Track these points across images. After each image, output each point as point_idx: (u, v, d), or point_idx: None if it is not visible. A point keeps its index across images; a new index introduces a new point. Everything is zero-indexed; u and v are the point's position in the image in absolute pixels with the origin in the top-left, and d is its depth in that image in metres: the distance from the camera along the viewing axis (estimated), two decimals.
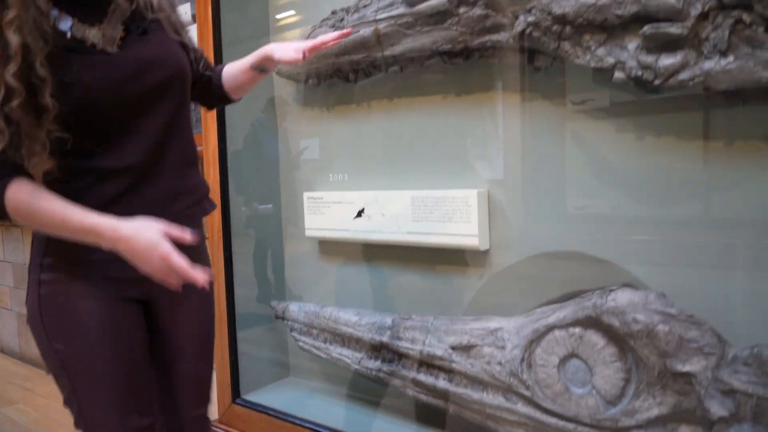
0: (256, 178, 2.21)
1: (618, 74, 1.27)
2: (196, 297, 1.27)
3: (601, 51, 1.29)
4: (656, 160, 1.33)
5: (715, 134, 1.25)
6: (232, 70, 1.40)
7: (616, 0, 1.23)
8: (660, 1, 1.18)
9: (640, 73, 1.23)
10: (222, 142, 2.04)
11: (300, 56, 1.31)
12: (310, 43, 1.34)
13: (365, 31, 1.67)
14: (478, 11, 1.42)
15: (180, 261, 1.00)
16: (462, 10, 1.45)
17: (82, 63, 1.04)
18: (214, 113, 2.01)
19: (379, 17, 1.64)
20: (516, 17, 1.38)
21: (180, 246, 1.05)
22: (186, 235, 1.04)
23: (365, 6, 1.71)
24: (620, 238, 1.40)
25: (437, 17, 1.51)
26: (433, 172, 1.72)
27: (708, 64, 1.16)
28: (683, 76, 1.18)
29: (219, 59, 2.01)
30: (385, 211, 1.76)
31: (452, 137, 1.66)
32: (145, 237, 1.01)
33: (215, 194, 2.07)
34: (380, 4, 1.65)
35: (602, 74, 1.30)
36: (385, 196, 1.77)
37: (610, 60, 1.27)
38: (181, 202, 1.21)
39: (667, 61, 1.19)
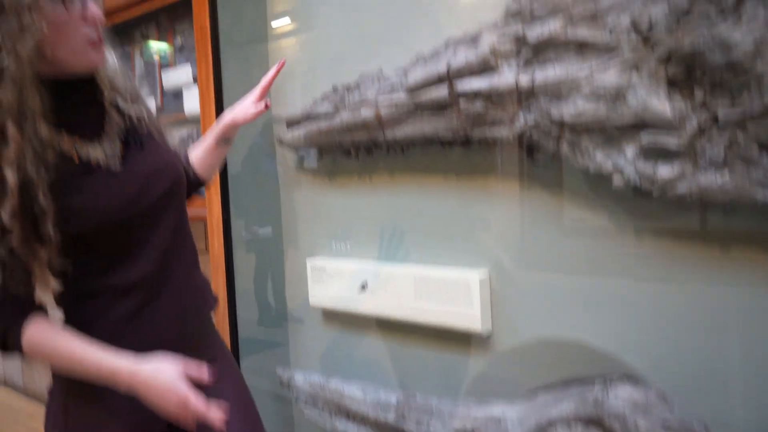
0: (257, 245, 2.24)
1: (617, 180, 1.29)
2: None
3: (599, 156, 1.31)
4: (654, 258, 1.35)
5: (712, 240, 1.27)
6: (198, 153, 1.48)
7: (615, 109, 1.25)
8: (656, 113, 1.21)
9: (638, 181, 1.25)
10: (226, 212, 2.06)
11: (261, 106, 1.43)
12: (258, 90, 1.48)
13: (367, 113, 1.69)
14: (478, 106, 1.45)
15: (197, 404, 1.02)
16: (462, 102, 1.48)
17: (90, 185, 1.06)
18: (216, 183, 2.04)
19: (380, 100, 1.66)
20: (516, 116, 1.40)
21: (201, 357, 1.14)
22: (203, 374, 1.07)
23: (366, 86, 1.73)
24: (620, 325, 1.43)
25: (438, 107, 1.54)
26: (434, 249, 1.74)
27: (704, 179, 1.18)
28: (680, 189, 1.20)
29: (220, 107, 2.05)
30: (388, 286, 1.79)
31: (453, 217, 1.69)
32: (163, 380, 1.03)
33: (219, 259, 2.09)
34: (381, 87, 1.67)
35: (601, 179, 1.32)
36: (388, 270, 1.79)
37: (609, 165, 1.29)
38: (193, 306, 1.24)
39: (664, 171, 1.22)
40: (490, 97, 1.42)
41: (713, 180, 1.17)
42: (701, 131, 1.18)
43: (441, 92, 1.50)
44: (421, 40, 1.67)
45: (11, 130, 0.94)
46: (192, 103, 2.29)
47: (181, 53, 2.40)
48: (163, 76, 2.41)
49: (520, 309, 1.59)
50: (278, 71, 1.50)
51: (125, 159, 1.14)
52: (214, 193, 2.04)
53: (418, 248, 1.77)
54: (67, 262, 1.05)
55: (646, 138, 1.23)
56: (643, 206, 1.35)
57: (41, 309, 1.08)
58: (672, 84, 1.20)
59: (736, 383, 1.27)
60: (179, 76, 2.32)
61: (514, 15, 1.39)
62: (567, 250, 1.49)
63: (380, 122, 1.67)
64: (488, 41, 1.42)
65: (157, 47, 2.44)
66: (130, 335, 1.12)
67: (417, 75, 1.55)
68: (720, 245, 1.27)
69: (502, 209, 1.59)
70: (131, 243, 1.13)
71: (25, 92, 0.95)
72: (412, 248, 1.79)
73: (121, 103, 1.18)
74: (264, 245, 2.24)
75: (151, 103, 2.49)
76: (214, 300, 1.35)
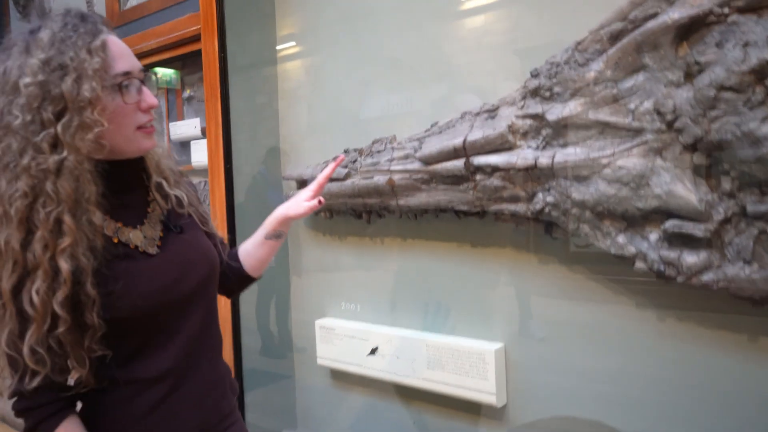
0: (266, 299, 2.20)
1: (639, 265, 1.26)
2: None
3: (621, 239, 1.28)
4: (674, 342, 1.32)
5: (737, 329, 1.24)
6: (247, 248, 1.39)
7: (637, 193, 1.23)
8: (682, 201, 1.18)
9: (662, 267, 1.22)
10: None
11: (315, 204, 1.34)
12: (314, 187, 1.37)
13: (379, 179, 1.67)
14: (495, 182, 1.42)
15: None
16: (478, 177, 1.45)
17: (126, 271, 1.04)
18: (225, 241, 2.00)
19: (393, 168, 1.64)
20: (534, 194, 1.38)
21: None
22: None
23: (379, 152, 1.71)
24: (637, 403, 1.39)
25: (453, 179, 1.51)
26: (447, 317, 1.71)
27: (732, 270, 1.15)
28: (707, 278, 1.17)
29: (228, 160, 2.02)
30: (400, 353, 1.75)
31: (467, 286, 1.65)
32: None
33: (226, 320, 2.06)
34: (394, 155, 1.65)
35: (623, 261, 1.29)
36: (399, 336, 1.75)
37: (632, 249, 1.26)
38: (214, 396, 1.19)
39: (690, 259, 1.19)
40: (508, 174, 1.39)
41: (741, 272, 1.14)
42: (728, 222, 1.15)
43: (457, 165, 1.48)
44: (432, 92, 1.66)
45: (67, 220, 0.94)
46: (200, 155, 2.27)
47: (190, 104, 2.39)
48: (171, 127, 2.39)
49: (535, 383, 1.55)
50: (336, 167, 1.38)
51: (164, 244, 1.12)
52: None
53: (431, 315, 1.74)
54: (107, 352, 1.02)
55: (671, 224, 1.20)
56: (664, 289, 1.31)
57: (73, 404, 1.07)
58: (698, 172, 1.18)
59: None
60: (187, 128, 2.30)
61: (532, 92, 1.37)
62: (583, 325, 1.45)
63: (393, 189, 1.64)
64: (507, 118, 1.40)
65: (163, 73, 2.41)
66: (148, 428, 1.09)
67: (433, 146, 1.53)
68: (745, 333, 1.23)
69: (518, 282, 1.56)
70: (160, 332, 1.09)
71: (82, 183, 0.96)
72: (424, 315, 1.75)
73: (165, 187, 1.17)
74: (273, 301, 2.21)
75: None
76: (234, 390, 1.27)
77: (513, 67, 1.55)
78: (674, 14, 1.18)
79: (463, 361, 1.61)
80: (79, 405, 1.11)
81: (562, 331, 1.50)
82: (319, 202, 1.33)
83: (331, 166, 1.37)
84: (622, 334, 1.39)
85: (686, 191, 1.18)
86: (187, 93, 2.37)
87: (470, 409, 1.65)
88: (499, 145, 1.40)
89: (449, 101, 1.68)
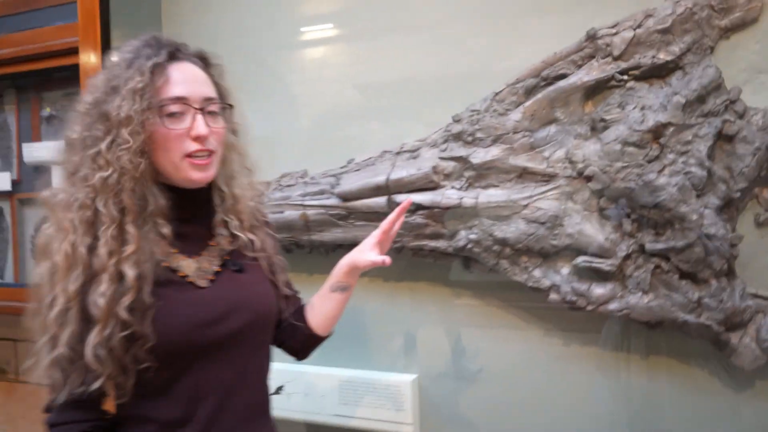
0: None
1: (553, 296, 1.39)
2: None
3: (537, 273, 1.41)
4: (583, 364, 1.48)
5: (635, 349, 1.43)
6: (313, 302, 1.30)
7: (552, 232, 1.37)
8: (590, 239, 1.34)
9: (574, 298, 1.37)
10: None
11: (380, 261, 1.21)
12: (378, 234, 1.25)
13: (291, 213, 1.64)
14: (418, 219, 1.48)
15: None
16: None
17: (166, 295, 1.00)
18: None
19: (307, 203, 1.62)
20: (456, 231, 1.46)
21: None
22: None
23: (289, 186, 1.69)
24: (544, 425, 1.52)
25: (373, 216, 1.54)
26: (359, 351, 1.72)
27: (633, 299, 1.33)
28: (612, 306, 1.34)
29: None
30: (309, 390, 1.72)
31: (379, 321, 1.68)
32: None
33: None
34: (307, 190, 1.64)
35: (539, 293, 1.42)
36: (308, 373, 1.72)
37: (546, 282, 1.40)
38: None
39: (598, 291, 1.35)
40: (432, 212, 1.46)
41: (640, 301, 1.32)
42: (630, 258, 1.33)
43: (379, 203, 1.51)
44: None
45: (131, 230, 0.97)
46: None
47: (50, 124, 2.12)
48: (24, 149, 2.10)
49: (447, 411, 1.62)
50: (403, 211, 1.26)
51: (217, 279, 1.08)
52: None
53: (342, 352, 1.73)
54: (155, 364, 0.99)
55: (581, 260, 1.35)
56: (569, 316, 1.47)
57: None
58: (604, 214, 1.35)
59: None
60: (48, 151, 2.04)
61: (455, 136, 1.46)
62: (495, 354, 1.57)
63: (307, 224, 1.63)
64: (430, 159, 1.47)
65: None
66: None
67: (352, 183, 1.55)
68: (639, 354, 1.42)
69: (432, 314, 1.63)
70: (188, 376, 1.03)
71: (141, 197, 0.99)
72: (334, 350, 1.74)
73: (235, 228, 1.13)
74: None
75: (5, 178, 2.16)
76: None
77: (355, 101, 1.71)
78: (584, 76, 1.35)
79: (380, 394, 1.63)
80: None
81: (474, 360, 1.59)
82: (384, 263, 1.20)
83: (397, 211, 1.26)
84: (531, 360, 1.53)
85: (594, 231, 1.35)
86: (47, 111, 2.11)
87: None
88: (424, 185, 1.47)
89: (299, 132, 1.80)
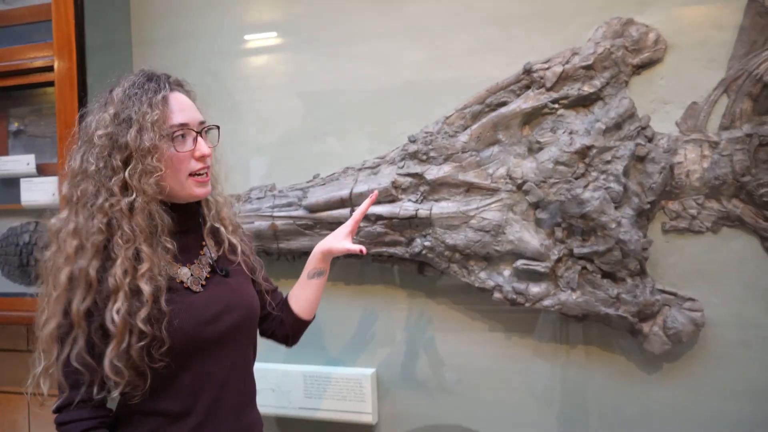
0: None
1: (496, 295, 1.60)
2: None
3: (482, 274, 1.61)
4: (521, 353, 1.68)
5: (566, 340, 1.65)
6: (294, 292, 1.45)
7: (496, 239, 1.57)
8: (528, 245, 1.55)
9: (514, 296, 1.58)
10: None
11: (356, 249, 1.36)
12: (351, 224, 1.41)
13: (261, 224, 1.79)
14: (378, 228, 1.66)
15: None
16: (363, 224, 1.68)
17: (171, 300, 1.11)
18: None
19: (276, 214, 1.78)
20: (412, 239, 1.64)
21: None
22: None
23: (258, 198, 1.83)
24: (490, 413, 1.72)
25: (337, 225, 1.71)
26: (322, 350, 1.88)
27: (563, 296, 1.54)
28: (546, 302, 1.55)
29: None
30: (277, 385, 1.86)
31: (340, 320, 1.85)
32: None
33: None
34: (276, 202, 1.79)
35: (484, 293, 1.62)
36: (275, 370, 1.86)
37: (491, 283, 1.60)
38: None
39: (534, 289, 1.56)
40: (390, 222, 1.64)
41: (569, 297, 1.54)
42: (560, 261, 1.55)
43: (343, 213, 1.68)
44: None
45: (145, 250, 1.08)
46: (32, 194, 2.09)
47: (17, 138, 2.18)
48: None
49: (402, 400, 1.80)
50: (371, 203, 1.42)
51: (208, 284, 1.21)
52: None
53: (306, 350, 1.88)
54: (171, 365, 1.10)
55: (520, 263, 1.56)
56: (510, 316, 1.68)
57: (109, 426, 1.13)
58: (539, 223, 1.57)
59: None
60: (16, 164, 2.11)
61: (411, 155, 1.65)
62: (445, 348, 1.76)
63: (276, 234, 1.78)
64: (389, 175, 1.66)
65: None
66: None
67: (319, 196, 1.71)
68: (572, 343, 1.64)
69: (389, 314, 1.80)
70: (189, 371, 1.14)
71: (153, 218, 1.11)
72: (300, 350, 1.88)
73: (222, 233, 1.27)
74: None
75: None
76: None
77: (296, 108, 1.89)
78: (522, 104, 1.57)
79: (341, 387, 1.79)
80: None
81: (426, 354, 1.78)
82: (361, 252, 1.35)
83: (367, 203, 1.41)
84: (477, 352, 1.72)
85: (531, 238, 1.56)
86: (14, 126, 2.17)
87: (347, 430, 1.83)
88: (384, 198, 1.65)
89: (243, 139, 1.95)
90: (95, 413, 1.12)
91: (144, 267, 1.07)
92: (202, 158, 1.17)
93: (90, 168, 1.09)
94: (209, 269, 1.23)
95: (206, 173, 1.20)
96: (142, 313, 1.05)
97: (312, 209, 1.72)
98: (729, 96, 1.48)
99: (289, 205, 1.77)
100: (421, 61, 1.75)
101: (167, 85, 1.16)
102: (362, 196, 1.66)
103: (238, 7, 1.97)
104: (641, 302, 1.48)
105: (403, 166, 1.66)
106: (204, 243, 1.25)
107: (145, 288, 1.06)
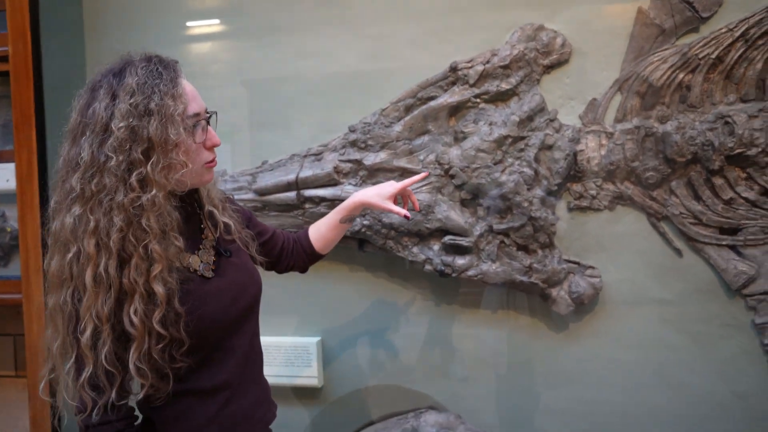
0: None
1: (427, 267, 1.81)
2: None
3: (415, 249, 1.82)
4: (446, 320, 1.91)
5: (487, 305, 1.88)
6: (320, 229, 1.53)
7: (427, 218, 1.78)
8: (454, 222, 1.77)
9: (443, 268, 1.79)
10: None
11: (402, 212, 1.47)
12: (399, 186, 1.51)
13: None
14: (321, 209, 1.84)
15: None
16: (308, 206, 1.85)
17: (190, 292, 1.10)
18: (39, 270, 1.99)
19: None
20: (353, 219, 1.83)
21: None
22: None
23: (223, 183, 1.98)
24: (424, 369, 1.94)
25: (285, 207, 1.88)
26: (272, 321, 2.04)
27: (485, 267, 1.77)
28: (470, 273, 1.78)
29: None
30: None
31: (288, 294, 2.02)
32: None
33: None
34: (227, 186, 1.94)
35: (417, 265, 1.83)
36: None
37: (422, 257, 1.81)
38: (262, 409, 1.27)
39: (460, 261, 1.78)
40: (333, 204, 1.82)
41: (489, 268, 1.77)
42: (482, 236, 1.77)
43: (290, 196, 1.85)
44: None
45: (157, 249, 1.03)
46: None
47: None
48: None
49: (345, 365, 2.00)
50: (420, 178, 1.57)
51: (217, 268, 1.20)
52: (33, 277, 1.98)
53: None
54: (189, 362, 1.10)
55: (447, 239, 1.78)
56: (437, 286, 1.90)
57: (136, 420, 1.13)
58: (464, 203, 1.79)
59: (517, 406, 1.89)
60: None
61: (351, 143, 1.83)
62: (383, 316, 1.96)
63: None
64: (332, 161, 1.84)
65: None
66: None
67: (268, 180, 1.88)
68: (493, 308, 1.88)
69: (332, 287, 1.99)
70: (217, 349, 1.17)
71: (165, 215, 1.06)
72: None
73: (216, 215, 1.24)
74: None
75: None
76: (274, 407, 1.35)
77: (241, 96, 2.02)
78: (448, 98, 1.78)
79: (290, 355, 1.97)
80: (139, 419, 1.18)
81: (366, 322, 1.98)
82: (406, 217, 1.47)
83: (418, 177, 1.57)
84: (412, 319, 1.94)
85: (457, 216, 1.77)
86: None
87: (296, 392, 2.01)
88: (327, 182, 1.83)
89: None
90: (124, 415, 1.09)
91: (156, 268, 1.03)
92: (213, 147, 1.15)
93: (106, 161, 1.01)
94: (213, 252, 1.21)
95: (214, 159, 1.18)
96: (157, 315, 1.02)
97: (261, 193, 1.89)
98: (622, 94, 1.74)
99: (240, 188, 1.93)
100: (362, 53, 1.93)
101: (181, 73, 1.12)
102: (307, 180, 1.84)
103: None
104: (549, 270, 1.73)
105: (344, 153, 1.84)
106: (203, 226, 1.22)
107: (159, 290, 1.02)
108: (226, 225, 1.27)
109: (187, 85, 1.12)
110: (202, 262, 1.17)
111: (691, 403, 1.75)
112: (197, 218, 1.23)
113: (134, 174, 1.02)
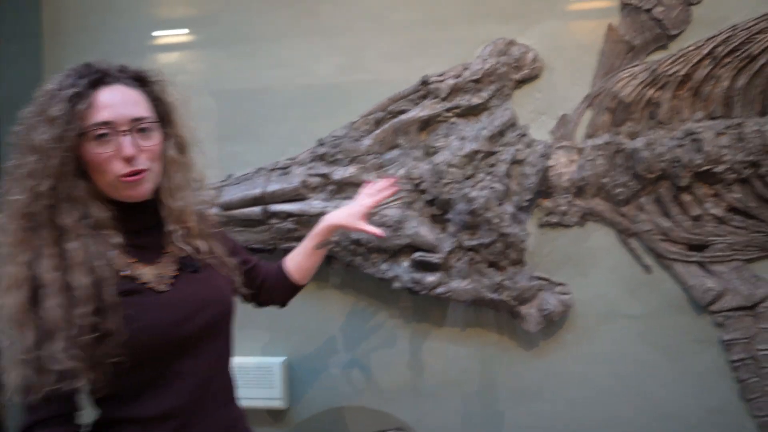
0: None
1: (396, 284, 1.77)
2: None
3: (384, 266, 1.78)
4: (415, 338, 1.87)
5: (457, 323, 1.84)
6: (296, 259, 1.46)
7: (396, 233, 1.74)
8: (424, 239, 1.73)
9: (412, 285, 1.75)
10: None
11: (376, 232, 1.43)
12: (369, 204, 1.47)
13: None
14: (288, 225, 1.79)
15: None
16: (274, 221, 1.80)
17: (132, 304, 1.05)
18: None
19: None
20: (329, 243, 1.78)
21: None
22: None
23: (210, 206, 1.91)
24: (390, 391, 1.89)
25: (250, 222, 1.82)
26: (236, 340, 1.97)
27: (454, 284, 1.74)
28: (440, 290, 1.74)
29: None
30: None
31: (252, 312, 1.95)
32: None
33: None
34: None
35: (385, 283, 1.79)
36: None
37: (391, 273, 1.77)
38: None
39: (429, 279, 1.74)
40: (300, 219, 1.77)
41: (459, 285, 1.74)
42: (452, 252, 1.74)
43: (255, 211, 1.80)
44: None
45: (74, 245, 1.03)
46: None
47: None
48: None
49: (311, 385, 1.94)
50: (389, 195, 1.52)
51: (176, 282, 1.13)
52: None
53: None
54: (126, 360, 1.03)
55: (417, 255, 1.74)
56: (411, 300, 1.86)
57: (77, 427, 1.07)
58: (434, 219, 1.75)
59: (474, 421, 1.85)
60: None
61: (320, 157, 1.79)
62: (351, 335, 1.91)
63: None
64: (299, 175, 1.79)
65: None
66: None
67: (233, 194, 1.82)
68: (462, 326, 1.84)
69: (299, 305, 1.92)
70: (164, 370, 1.09)
71: (85, 214, 1.05)
72: None
73: (176, 238, 1.16)
74: None
75: None
76: None
77: (209, 108, 1.98)
78: (419, 112, 1.75)
79: (254, 375, 1.90)
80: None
81: (334, 341, 1.92)
82: (380, 235, 1.43)
83: (387, 192, 1.50)
84: (380, 338, 1.89)
85: (427, 232, 1.74)
86: None
87: (260, 415, 1.94)
88: (294, 196, 1.78)
89: None
90: (62, 415, 1.05)
91: (74, 261, 1.02)
92: (127, 160, 1.07)
93: (13, 166, 1.06)
94: (176, 267, 1.15)
95: (138, 174, 1.09)
96: (82, 306, 1.00)
97: (226, 207, 1.82)
98: (593, 110, 1.73)
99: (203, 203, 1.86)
100: (334, 65, 1.89)
101: (88, 82, 1.07)
102: (274, 195, 1.78)
103: (149, 1, 2.02)
104: (520, 288, 1.70)
105: (312, 167, 1.80)
106: (169, 242, 1.17)
107: (83, 280, 1.01)
108: (197, 248, 1.20)
109: (103, 93, 1.08)
110: (159, 274, 1.12)
111: (660, 420, 1.74)
112: (161, 233, 1.17)
113: (27, 177, 1.04)
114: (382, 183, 1.52)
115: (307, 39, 1.91)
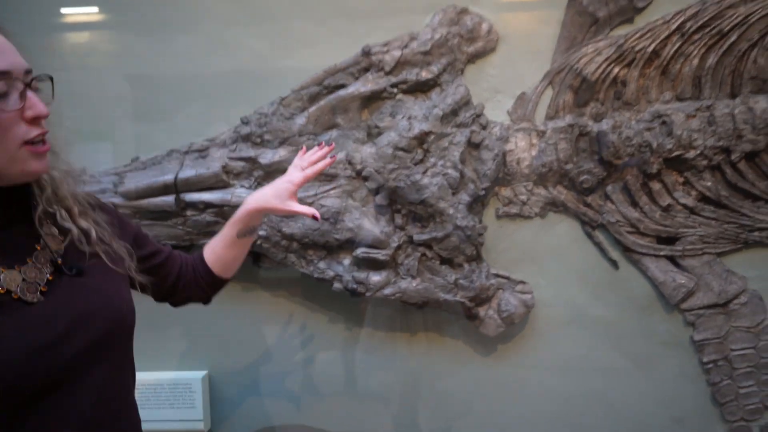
0: None
1: (336, 285, 1.53)
2: None
3: (322, 264, 1.54)
4: (362, 345, 1.64)
5: (406, 328, 1.63)
6: (215, 249, 1.20)
7: (335, 227, 1.50)
8: (368, 233, 1.50)
9: (354, 286, 1.52)
10: None
11: (310, 212, 1.15)
12: (300, 180, 1.18)
13: None
14: (207, 217, 1.51)
15: None
16: (190, 213, 1.52)
17: None
18: None
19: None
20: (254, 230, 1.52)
21: None
22: None
23: (84, 183, 1.59)
24: (327, 408, 1.66)
25: (160, 214, 1.53)
26: (148, 354, 1.68)
27: (403, 284, 1.52)
28: (387, 291, 1.52)
29: None
30: None
31: (165, 320, 1.67)
32: None
33: None
34: (86, 189, 1.56)
35: (324, 283, 1.55)
36: None
37: (330, 273, 1.53)
38: None
39: (375, 278, 1.52)
40: (222, 210, 1.50)
41: (409, 285, 1.52)
42: (400, 248, 1.52)
43: (167, 201, 1.51)
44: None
45: None
46: None
47: None
48: None
49: (237, 403, 1.68)
50: (329, 164, 1.21)
51: (51, 290, 0.87)
52: None
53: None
54: None
55: (360, 251, 1.51)
56: (354, 304, 1.63)
57: None
58: (379, 210, 1.53)
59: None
60: None
61: (244, 137, 1.52)
62: (282, 344, 1.66)
63: None
64: (220, 159, 1.52)
65: None
66: None
67: (138, 181, 1.52)
68: (412, 331, 1.63)
69: (221, 311, 1.66)
70: (35, 411, 0.82)
71: None
72: None
73: (60, 220, 0.92)
74: None
75: None
76: None
77: (123, 91, 1.70)
78: (360, 87, 1.51)
79: (170, 394, 1.62)
80: None
81: (263, 352, 1.67)
82: (315, 217, 1.15)
83: (327, 161, 1.21)
84: (318, 347, 1.66)
85: (371, 225, 1.51)
86: None
87: None
88: (213, 184, 1.51)
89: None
90: None
91: None
92: (36, 120, 0.85)
93: None
94: (52, 269, 0.89)
95: (44, 140, 0.87)
96: None
97: (130, 196, 1.53)
98: (554, 88, 1.56)
99: (103, 192, 1.55)
100: (258, 47, 1.63)
101: None
102: (189, 182, 1.50)
103: None
104: (477, 287, 1.50)
105: (235, 149, 1.53)
106: (40, 235, 0.91)
107: None
108: (83, 232, 0.94)
109: None
110: (25, 280, 0.85)
111: (627, 429, 1.60)
112: (30, 224, 0.90)
113: None
114: (314, 153, 1.24)
115: (229, 21, 1.64)
